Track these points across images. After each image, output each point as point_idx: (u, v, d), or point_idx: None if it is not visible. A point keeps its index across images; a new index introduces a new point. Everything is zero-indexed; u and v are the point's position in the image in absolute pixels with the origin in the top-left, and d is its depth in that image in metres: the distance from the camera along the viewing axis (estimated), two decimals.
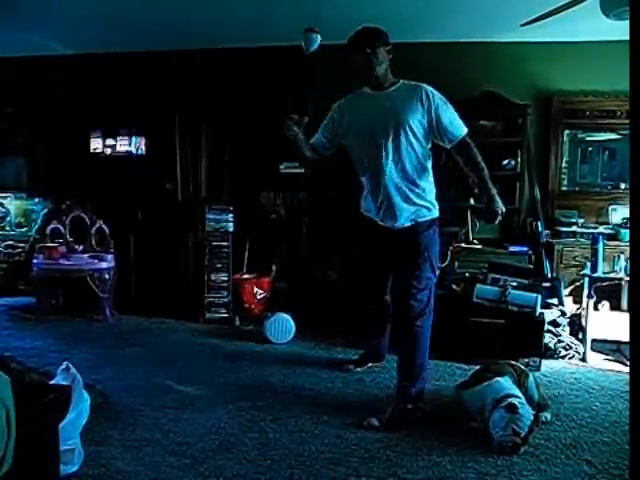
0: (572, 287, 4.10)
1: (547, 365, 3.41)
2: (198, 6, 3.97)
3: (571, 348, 3.59)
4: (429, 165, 2.67)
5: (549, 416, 2.58)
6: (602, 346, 3.69)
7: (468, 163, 2.61)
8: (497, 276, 3.74)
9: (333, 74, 3.85)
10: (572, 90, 4.57)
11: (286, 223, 4.72)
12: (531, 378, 2.61)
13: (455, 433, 2.41)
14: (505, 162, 4.50)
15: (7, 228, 5.20)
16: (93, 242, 4.55)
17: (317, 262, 4.54)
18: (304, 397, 2.85)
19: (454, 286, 3.79)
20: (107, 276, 4.32)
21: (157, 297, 4.54)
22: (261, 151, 4.78)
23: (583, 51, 4.47)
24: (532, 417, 2.27)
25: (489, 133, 4.45)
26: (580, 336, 3.69)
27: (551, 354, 3.56)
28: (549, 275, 4.14)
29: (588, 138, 4.67)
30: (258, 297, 4.35)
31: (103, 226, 4.54)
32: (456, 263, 4.20)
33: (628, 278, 3.49)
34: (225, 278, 4.39)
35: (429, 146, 2.65)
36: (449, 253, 4.16)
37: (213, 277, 4.38)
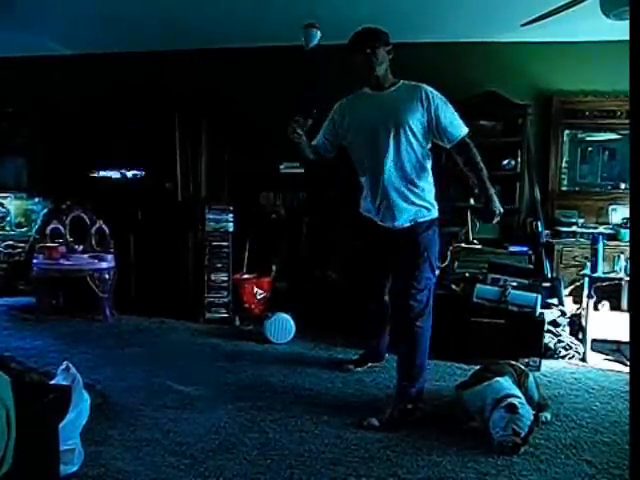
0: (572, 287, 4.10)
1: (547, 365, 3.41)
2: (197, 6, 3.97)
3: (571, 348, 3.59)
4: (428, 165, 2.67)
5: (549, 416, 2.58)
6: (602, 346, 3.69)
7: (467, 163, 2.61)
8: (497, 276, 3.74)
9: (335, 74, 3.85)
10: (572, 90, 4.57)
11: (286, 223, 4.72)
12: (531, 378, 2.61)
13: (455, 433, 2.41)
14: (505, 162, 4.50)
15: (7, 228, 5.21)
16: (93, 242, 4.55)
17: (317, 262, 4.54)
18: (304, 397, 2.85)
19: (454, 286, 3.78)
20: (107, 276, 4.32)
21: (157, 297, 4.54)
22: (261, 151, 4.79)
23: (583, 51, 4.47)
24: (532, 417, 2.27)
25: (489, 133, 4.46)
26: (580, 336, 3.69)
27: (551, 354, 3.56)
28: (549, 275, 4.14)
29: (588, 138, 4.67)
30: (258, 297, 4.35)
31: (103, 226, 4.54)
32: (456, 263, 4.20)
33: (628, 278, 3.49)
34: (225, 278, 4.39)
35: (429, 146, 2.65)
36: (449, 253, 4.16)
37: (213, 277, 4.38)
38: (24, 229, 5.20)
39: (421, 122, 2.55)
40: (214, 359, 3.45)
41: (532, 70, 4.59)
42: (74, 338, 3.81)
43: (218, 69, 4.85)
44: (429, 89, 2.58)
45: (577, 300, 3.96)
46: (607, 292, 3.77)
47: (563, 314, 3.75)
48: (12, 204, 5.30)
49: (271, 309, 4.05)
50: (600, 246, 3.60)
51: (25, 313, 4.40)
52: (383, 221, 2.68)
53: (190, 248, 4.68)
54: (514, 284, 3.61)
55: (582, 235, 4.30)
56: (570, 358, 3.56)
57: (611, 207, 4.50)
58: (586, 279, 3.68)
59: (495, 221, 2.59)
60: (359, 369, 3.25)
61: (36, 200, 5.22)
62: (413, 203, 2.61)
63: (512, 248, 4.26)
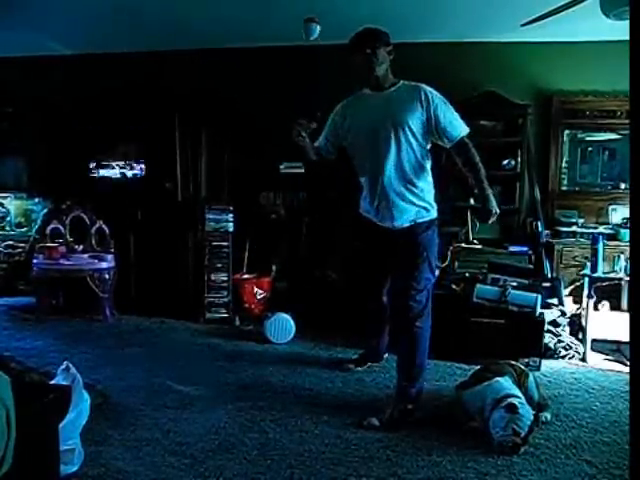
0: (572, 287, 4.10)
1: (547, 365, 3.41)
2: (198, 6, 3.97)
3: (571, 348, 3.59)
4: (428, 165, 2.67)
5: (549, 416, 2.58)
6: (602, 346, 3.69)
7: (466, 163, 2.61)
8: (497, 276, 3.74)
9: (335, 75, 3.85)
10: (572, 90, 4.57)
11: (286, 223, 4.72)
12: (531, 378, 2.61)
13: (455, 433, 2.41)
14: (505, 162, 4.50)
15: (7, 228, 5.21)
16: (93, 242, 4.55)
17: (317, 262, 4.54)
18: (304, 397, 2.85)
19: (454, 286, 3.78)
20: (107, 276, 4.32)
21: (157, 297, 4.54)
22: (261, 151, 4.79)
23: (583, 51, 4.46)
24: (532, 417, 2.27)
25: (489, 133, 4.45)
26: (580, 336, 3.69)
27: (551, 354, 3.56)
28: (549, 275, 4.14)
29: (588, 138, 4.67)
30: (258, 297, 4.35)
31: (103, 226, 4.54)
32: (456, 263, 4.20)
33: (628, 278, 3.49)
34: (225, 278, 4.39)
35: (428, 146, 2.65)
36: (449, 253, 4.15)
37: (213, 277, 4.38)
38: (24, 229, 5.21)
39: (421, 122, 2.55)
40: (214, 359, 3.44)
41: (532, 70, 4.58)
42: (74, 338, 3.81)
43: (218, 69, 4.85)
44: (429, 89, 2.58)
45: (577, 300, 3.96)
46: (607, 292, 3.77)
47: (563, 314, 3.75)
48: (12, 204, 5.30)
49: (271, 309, 4.05)
50: (600, 246, 3.60)
51: (25, 313, 4.40)
52: (382, 221, 2.68)
53: (190, 248, 4.68)
54: (514, 284, 3.61)
55: (582, 235, 4.30)
56: (570, 358, 3.56)
57: (611, 207, 4.50)
58: (586, 279, 3.68)
59: (491, 221, 2.59)
60: (359, 369, 3.25)
61: (36, 200, 5.22)
62: (412, 203, 2.61)
63: (512, 248, 4.26)
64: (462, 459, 2.20)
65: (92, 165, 4.99)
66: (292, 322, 3.83)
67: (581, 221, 4.46)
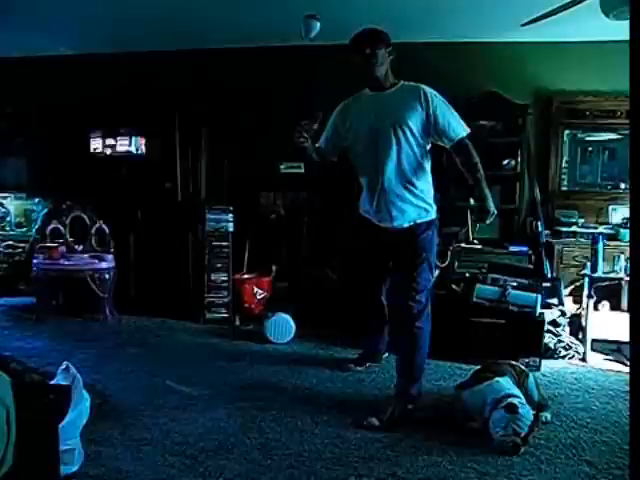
0: (572, 287, 4.10)
1: (547, 365, 3.41)
2: (198, 6, 3.97)
3: (571, 348, 3.59)
4: (428, 166, 2.67)
5: (549, 416, 2.58)
6: (602, 346, 3.69)
7: (465, 164, 2.61)
8: (497, 276, 3.74)
9: (336, 75, 3.85)
10: (572, 90, 4.56)
11: (286, 223, 4.72)
12: (531, 378, 2.61)
13: (455, 433, 2.41)
14: (505, 162, 4.50)
15: (7, 228, 5.21)
16: (93, 242, 4.55)
17: (317, 262, 4.54)
18: (304, 397, 2.85)
19: (454, 286, 3.78)
20: (107, 276, 4.32)
21: (157, 297, 4.54)
22: (261, 151, 4.79)
23: (583, 51, 4.46)
24: (532, 417, 2.27)
25: (489, 133, 4.44)
26: (580, 336, 3.68)
27: (551, 354, 3.55)
28: (549, 275, 4.14)
29: (588, 138, 4.67)
30: (258, 297, 4.35)
31: (103, 226, 4.53)
32: (456, 263, 4.20)
33: (628, 278, 3.49)
34: (225, 278, 4.39)
35: (428, 147, 2.65)
36: (449, 253, 4.15)
37: (213, 277, 4.38)
38: (24, 229, 5.20)
39: (420, 122, 2.56)
40: (214, 359, 3.44)
41: (532, 70, 4.58)
42: (74, 338, 3.81)
43: (218, 69, 4.85)
44: (428, 89, 2.59)
45: (577, 300, 3.96)
46: (607, 292, 3.77)
47: (563, 314, 3.75)
48: (12, 204, 5.30)
49: (271, 309, 4.05)
50: (600, 246, 3.60)
51: (25, 313, 4.40)
52: (382, 221, 2.68)
53: (190, 248, 4.68)
54: (514, 284, 3.61)
55: (582, 235, 4.29)
56: (570, 358, 3.56)
57: (611, 207, 4.49)
58: (586, 279, 3.68)
59: (489, 221, 2.60)
60: (359, 368, 3.25)
61: (36, 200, 5.21)
62: (412, 204, 2.62)
63: (512, 248, 4.26)
64: (462, 459, 2.20)
65: (92, 165, 4.98)
66: (292, 322, 3.83)
67: (581, 221, 4.46)
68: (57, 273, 4.29)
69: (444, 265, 4.01)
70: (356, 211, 2.85)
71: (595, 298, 3.66)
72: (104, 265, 4.33)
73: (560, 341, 3.60)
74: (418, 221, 2.62)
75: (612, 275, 3.63)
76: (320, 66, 4.59)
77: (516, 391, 2.39)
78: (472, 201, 4.38)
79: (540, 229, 4.31)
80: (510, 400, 2.27)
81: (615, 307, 3.81)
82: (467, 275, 3.96)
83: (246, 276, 4.45)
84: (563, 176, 4.69)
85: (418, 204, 2.62)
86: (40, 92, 5.00)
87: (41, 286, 4.35)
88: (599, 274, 3.60)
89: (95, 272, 4.27)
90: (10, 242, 5.04)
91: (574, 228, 4.39)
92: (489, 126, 4.49)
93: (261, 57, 4.84)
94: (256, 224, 4.63)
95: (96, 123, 4.90)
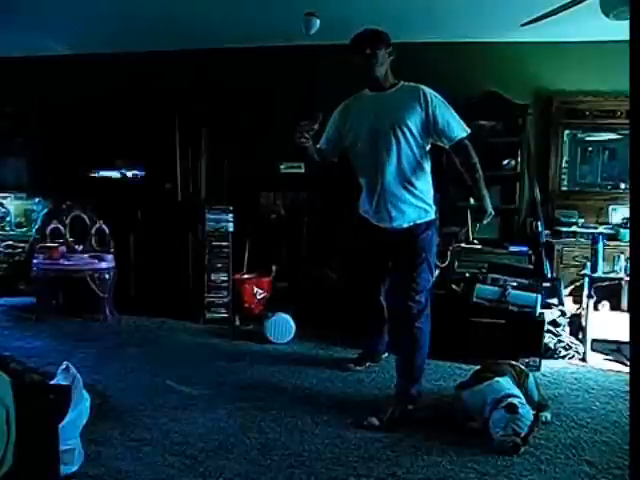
0: (572, 287, 4.10)
1: (547, 365, 3.40)
2: (198, 6, 3.97)
3: (571, 348, 3.59)
4: (427, 166, 2.67)
5: (549, 416, 2.58)
6: (602, 346, 3.69)
7: (464, 164, 2.62)
8: (497, 276, 3.74)
9: (336, 75, 3.85)
10: (572, 90, 4.56)
11: (286, 223, 4.72)
12: (531, 378, 2.60)
13: (455, 433, 2.41)
14: (505, 162, 4.50)
15: (7, 228, 5.21)
16: (93, 242, 4.55)
17: (317, 262, 4.54)
18: (304, 397, 2.85)
19: (454, 286, 3.78)
20: (107, 276, 4.32)
21: (157, 297, 4.54)
22: (261, 151, 4.79)
23: (583, 51, 4.46)
24: (532, 417, 2.27)
25: (489, 133, 4.45)
26: (580, 336, 3.68)
27: (551, 354, 3.55)
28: (549, 275, 4.14)
29: (588, 138, 4.67)
30: (258, 297, 4.34)
31: (103, 226, 4.53)
32: (456, 263, 4.20)
33: (628, 278, 3.49)
34: (225, 278, 4.39)
35: (428, 147, 2.65)
36: (449, 253, 4.15)
37: (213, 277, 4.38)
38: (24, 229, 5.20)
39: (420, 122, 2.56)
40: (214, 359, 3.44)
41: (532, 70, 4.58)
42: (74, 338, 3.81)
43: (218, 69, 4.85)
44: (428, 90, 2.59)
45: (577, 300, 3.96)
46: (607, 292, 3.77)
47: (563, 314, 3.74)
48: (12, 204, 5.30)
49: (271, 309, 4.05)
50: (600, 246, 3.60)
51: (25, 313, 4.39)
52: (381, 222, 2.68)
53: (190, 248, 4.68)
54: (514, 284, 3.60)
55: (582, 235, 4.29)
56: (570, 358, 3.56)
57: (611, 207, 4.49)
58: (586, 279, 3.68)
59: (486, 221, 2.61)
60: (359, 368, 3.25)
61: (36, 200, 5.22)
62: (411, 204, 2.62)
63: (512, 248, 4.26)
64: (462, 459, 2.20)
65: (92, 165, 4.98)
66: (292, 322, 3.83)
67: (581, 221, 4.46)
68: (57, 273, 4.29)
69: (444, 265, 4.01)
70: (356, 211, 2.85)
71: (595, 298, 3.66)
72: (104, 265, 4.33)
73: (560, 341, 3.60)
74: (418, 221, 2.62)
75: (612, 275, 3.64)
76: (320, 66, 4.59)
77: (516, 391, 2.38)
78: (472, 201, 4.39)
79: (540, 229, 4.31)
80: (510, 400, 2.27)
81: (615, 307, 3.81)
82: (467, 275, 3.96)
83: (246, 276, 4.45)
84: (563, 176, 4.69)
85: (418, 204, 2.63)
86: (40, 92, 5.00)
87: (41, 286, 4.35)
88: (599, 274, 3.60)
89: (95, 272, 4.27)
90: (10, 242, 5.04)
91: (574, 228, 4.39)
92: (489, 126, 4.49)
93: (261, 57, 4.84)
94: (256, 224, 4.63)
95: (95, 122, 4.89)
